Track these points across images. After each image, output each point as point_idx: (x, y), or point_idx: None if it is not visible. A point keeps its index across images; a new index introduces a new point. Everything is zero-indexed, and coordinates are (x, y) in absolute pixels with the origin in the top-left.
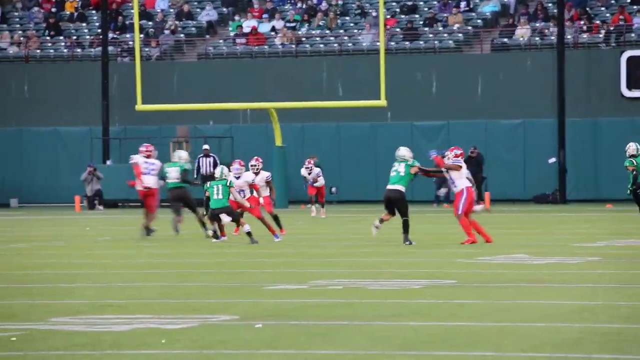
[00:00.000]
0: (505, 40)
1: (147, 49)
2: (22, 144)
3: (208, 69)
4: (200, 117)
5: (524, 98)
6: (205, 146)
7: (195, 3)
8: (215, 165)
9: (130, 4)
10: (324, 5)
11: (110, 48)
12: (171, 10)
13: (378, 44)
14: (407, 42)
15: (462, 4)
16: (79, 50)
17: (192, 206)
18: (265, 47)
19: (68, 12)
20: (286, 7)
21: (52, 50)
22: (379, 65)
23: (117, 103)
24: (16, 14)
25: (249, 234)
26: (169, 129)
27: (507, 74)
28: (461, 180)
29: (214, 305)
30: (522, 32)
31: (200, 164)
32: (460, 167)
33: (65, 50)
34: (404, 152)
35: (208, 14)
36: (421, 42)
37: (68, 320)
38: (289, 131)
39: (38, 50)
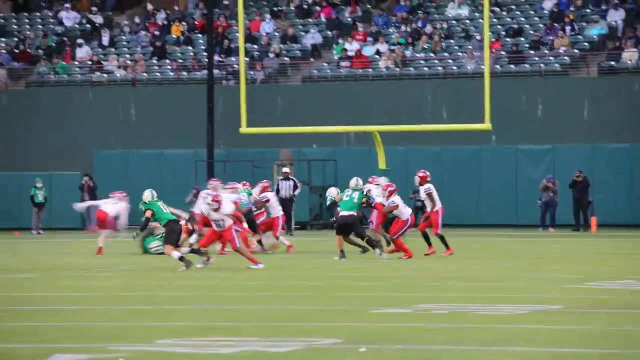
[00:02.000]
0: (613, 63)
1: (251, 72)
2: (128, 166)
3: (312, 92)
4: (303, 140)
5: (631, 122)
6: (285, 169)
7: (300, 27)
8: (295, 189)
9: (236, 28)
10: (428, 29)
11: (215, 71)
12: (276, 33)
13: (483, 67)
14: (512, 65)
15: (568, 27)
16: (184, 73)
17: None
18: (370, 70)
19: (174, 36)
20: (390, 30)
21: (158, 74)
22: (484, 88)
23: (221, 126)
24: (124, 37)
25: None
26: (272, 152)
27: (614, 98)
28: (404, 210)
29: (318, 328)
30: (630, 55)
31: (280, 186)
32: (397, 206)
33: (171, 74)
34: (358, 182)
35: (313, 37)
36: (527, 65)
37: (174, 342)
38: (392, 154)
39: (145, 74)
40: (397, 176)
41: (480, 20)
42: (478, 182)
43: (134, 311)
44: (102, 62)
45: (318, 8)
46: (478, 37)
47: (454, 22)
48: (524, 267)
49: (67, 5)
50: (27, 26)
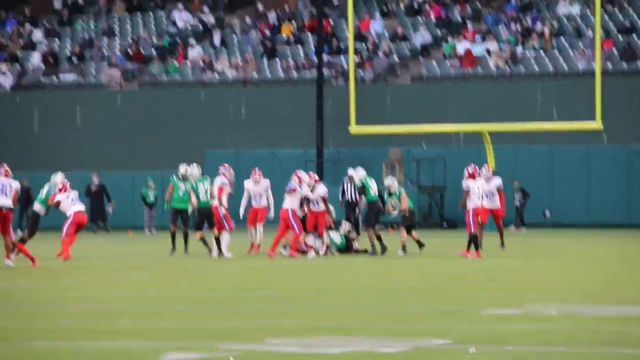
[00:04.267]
0: None
1: (361, 71)
2: (239, 165)
3: (421, 91)
4: (413, 140)
5: None
6: (351, 171)
7: (410, 25)
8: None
9: (345, 27)
10: (539, 26)
11: (325, 71)
12: (385, 32)
13: (594, 65)
14: (624, 63)
15: None
16: (294, 73)
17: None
18: (479, 68)
19: (284, 36)
20: (500, 28)
21: (268, 73)
22: (595, 87)
23: (331, 125)
24: (234, 37)
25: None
26: (381, 151)
27: None
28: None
29: (427, 329)
30: None
31: (345, 188)
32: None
33: (281, 73)
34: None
35: (422, 36)
36: (638, 64)
37: (283, 341)
38: (502, 153)
39: (255, 73)
40: (506, 175)
41: (592, 17)
42: (589, 182)
43: (245, 310)
44: (214, 62)
45: (428, 7)
46: (589, 35)
47: (564, 19)
48: (636, 267)
49: (180, 5)
50: (141, 26)
